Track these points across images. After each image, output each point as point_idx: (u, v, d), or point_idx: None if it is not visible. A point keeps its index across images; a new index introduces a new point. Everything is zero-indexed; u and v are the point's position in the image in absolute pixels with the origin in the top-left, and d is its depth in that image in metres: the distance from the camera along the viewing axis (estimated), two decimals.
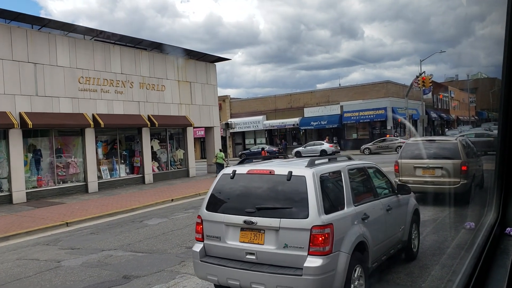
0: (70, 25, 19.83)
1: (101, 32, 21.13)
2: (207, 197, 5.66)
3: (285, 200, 5.13)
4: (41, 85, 18.40)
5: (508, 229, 2.77)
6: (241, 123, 50.59)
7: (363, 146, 39.75)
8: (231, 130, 38.13)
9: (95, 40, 21.30)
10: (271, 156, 8.05)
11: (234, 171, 5.55)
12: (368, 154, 37.62)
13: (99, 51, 21.07)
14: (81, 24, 27.79)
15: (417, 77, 37.46)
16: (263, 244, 5.00)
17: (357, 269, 5.15)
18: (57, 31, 19.70)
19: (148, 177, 23.37)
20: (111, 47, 21.80)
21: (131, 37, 22.76)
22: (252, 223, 5.04)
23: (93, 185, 20.35)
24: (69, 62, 19.58)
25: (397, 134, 43.68)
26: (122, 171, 22.66)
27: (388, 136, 41.11)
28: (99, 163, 21.40)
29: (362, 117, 44.28)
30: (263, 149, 34.32)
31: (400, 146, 36.96)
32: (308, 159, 5.65)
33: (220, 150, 25.72)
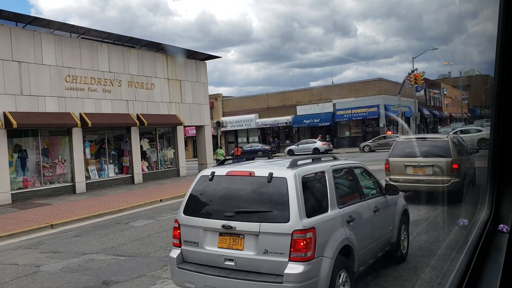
0: (56, 22, 19.45)
1: (88, 30, 20.76)
2: (184, 200, 5.41)
3: (266, 203, 4.89)
4: (26, 84, 18.01)
5: (501, 225, 2.73)
6: (233, 121, 50.36)
7: (363, 144, 39.51)
8: (223, 129, 38.00)
9: (82, 38, 20.91)
10: (254, 156, 7.79)
11: (213, 173, 5.29)
12: (368, 152, 37.36)
13: (86, 49, 20.68)
14: (70, 22, 27.38)
15: (410, 74, 37.36)
16: (242, 250, 4.76)
17: (342, 274, 4.93)
18: (43, 29, 19.29)
19: (138, 177, 23.04)
20: (98, 45, 21.42)
21: (119, 35, 22.38)
22: (231, 227, 4.79)
23: (80, 185, 19.99)
24: (55, 61, 19.19)
25: (390, 131, 43.58)
26: (110, 171, 22.31)
27: (389, 133, 40.83)
28: (87, 163, 21.04)
29: (354, 114, 44.19)
30: (236, 147, 33.85)
31: None
32: (291, 159, 5.40)
33: (220, 147, 26.36)
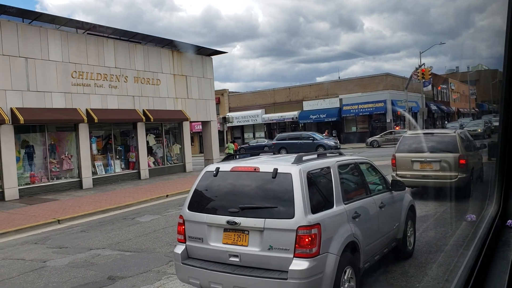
0: (62, 18, 19.46)
1: (94, 25, 20.75)
2: (189, 196, 5.40)
3: (271, 199, 4.86)
4: (32, 80, 18.07)
5: (509, 221, 2.74)
6: (240, 117, 50.31)
7: (370, 139, 39.24)
8: (229, 124, 37.90)
9: (88, 34, 20.93)
10: (260, 151, 7.77)
11: (218, 168, 5.27)
12: (377, 147, 37.13)
13: (92, 45, 20.70)
14: (75, 18, 27.42)
15: (417, 69, 37.08)
16: (247, 246, 4.74)
17: (347, 270, 4.89)
18: (49, 25, 19.31)
19: (144, 173, 23.10)
20: (104, 40, 21.43)
21: (125, 30, 22.35)
22: (236, 223, 4.77)
23: (87, 181, 20.08)
24: (61, 57, 19.23)
25: (397, 127, 43.35)
26: (117, 167, 22.37)
27: (397, 128, 40.62)
28: (93, 158, 21.10)
29: (361, 110, 43.95)
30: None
31: None
32: (296, 154, 5.36)
33: (231, 142, 26.97)
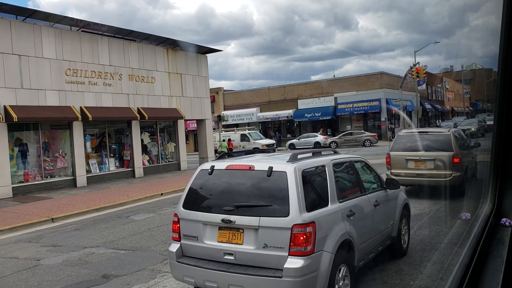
0: (56, 16, 19.35)
1: (88, 23, 20.63)
2: (184, 194, 5.38)
3: (265, 197, 4.85)
4: (26, 78, 17.95)
5: (504, 219, 2.76)
6: (234, 115, 50.26)
7: (330, 139, 39.45)
8: (224, 122, 37.83)
9: (82, 31, 20.80)
10: (255, 149, 7.76)
11: (213, 167, 5.26)
12: (335, 147, 37.51)
13: (86, 42, 20.59)
14: (68, 15, 27.25)
15: (411, 68, 37.18)
16: (242, 244, 4.73)
17: (342, 268, 4.90)
18: (43, 22, 19.19)
19: (138, 171, 23.03)
20: (98, 38, 21.31)
21: (120, 28, 22.26)
22: (231, 221, 4.76)
23: (81, 179, 19.99)
24: (55, 54, 19.11)
25: (392, 125, 43.52)
26: (111, 165, 22.29)
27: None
28: (87, 156, 21.01)
29: (356, 108, 44.05)
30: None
31: (368, 140, 37.43)
32: (291, 153, 5.36)
33: (224, 140, 27.13)
